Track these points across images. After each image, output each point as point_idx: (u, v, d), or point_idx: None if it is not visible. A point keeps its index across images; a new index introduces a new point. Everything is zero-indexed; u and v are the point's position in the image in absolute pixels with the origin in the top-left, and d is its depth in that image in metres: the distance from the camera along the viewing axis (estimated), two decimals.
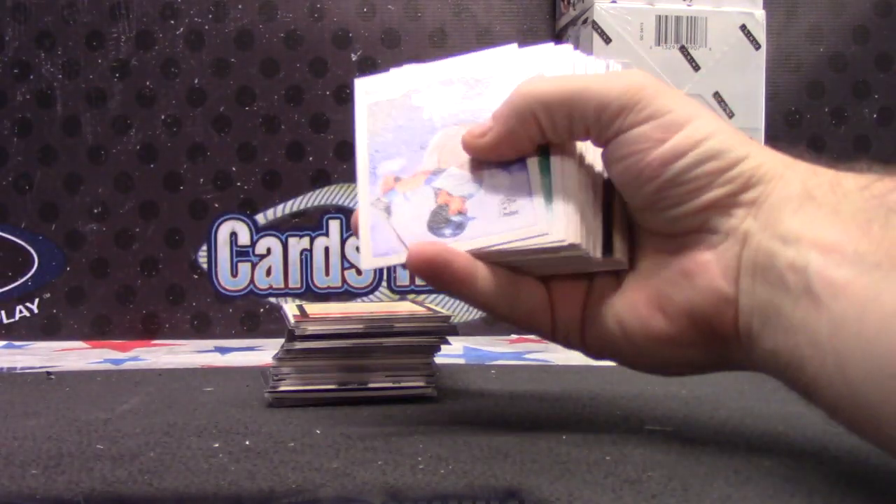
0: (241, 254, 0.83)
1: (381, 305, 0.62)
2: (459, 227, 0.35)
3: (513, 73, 0.36)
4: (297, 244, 0.83)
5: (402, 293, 0.84)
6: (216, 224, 0.83)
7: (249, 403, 0.46)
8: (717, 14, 0.75)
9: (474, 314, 0.85)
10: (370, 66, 0.83)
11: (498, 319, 0.37)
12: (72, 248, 0.82)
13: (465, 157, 0.36)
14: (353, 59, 0.84)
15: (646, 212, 0.34)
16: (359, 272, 0.84)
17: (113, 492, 0.30)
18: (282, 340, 0.46)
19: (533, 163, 0.35)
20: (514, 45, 0.37)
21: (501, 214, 0.35)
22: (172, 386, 0.52)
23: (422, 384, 0.46)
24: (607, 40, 0.74)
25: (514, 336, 0.83)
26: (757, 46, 0.76)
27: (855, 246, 0.28)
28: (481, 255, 0.35)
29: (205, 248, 0.83)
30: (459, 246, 0.35)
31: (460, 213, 0.36)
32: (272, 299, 0.83)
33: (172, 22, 0.82)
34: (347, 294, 0.84)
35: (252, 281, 0.83)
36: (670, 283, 0.33)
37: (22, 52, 0.81)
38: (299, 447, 0.36)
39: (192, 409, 0.45)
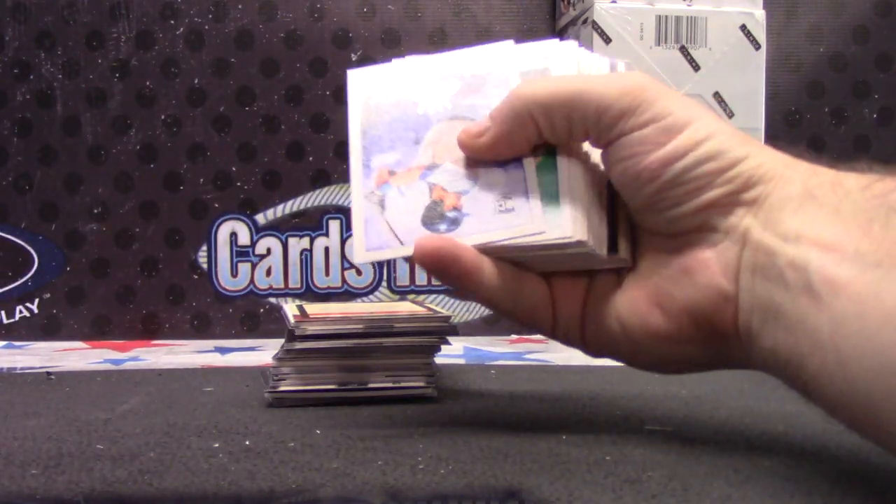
0: (241, 254, 0.83)
1: (381, 305, 0.62)
2: (454, 222, 0.36)
3: (513, 68, 0.36)
4: (297, 244, 0.83)
5: (402, 293, 0.84)
6: (216, 224, 0.83)
7: (249, 403, 0.46)
8: (717, 14, 0.75)
9: (474, 314, 0.85)
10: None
11: (500, 314, 0.37)
12: (72, 248, 0.82)
13: (460, 153, 0.36)
14: (353, 58, 0.84)
15: (645, 212, 0.34)
16: (359, 272, 0.84)
17: (113, 492, 0.30)
18: (282, 340, 0.46)
19: (529, 162, 0.35)
20: (511, 42, 0.37)
21: (497, 211, 0.35)
22: (172, 386, 0.52)
23: (422, 384, 0.46)
24: (607, 40, 0.74)
25: (514, 336, 0.83)
26: (757, 46, 0.76)
27: (856, 245, 0.28)
28: (487, 251, 0.35)
29: (205, 248, 0.83)
30: (465, 241, 0.35)
31: (455, 208, 0.36)
32: (272, 299, 0.83)
33: (172, 22, 0.82)
34: (347, 294, 0.84)
35: (252, 281, 0.83)
36: (670, 280, 0.34)
37: (22, 52, 0.81)
38: (299, 447, 0.36)
39: (192, 409, 0.45)
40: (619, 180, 0.34)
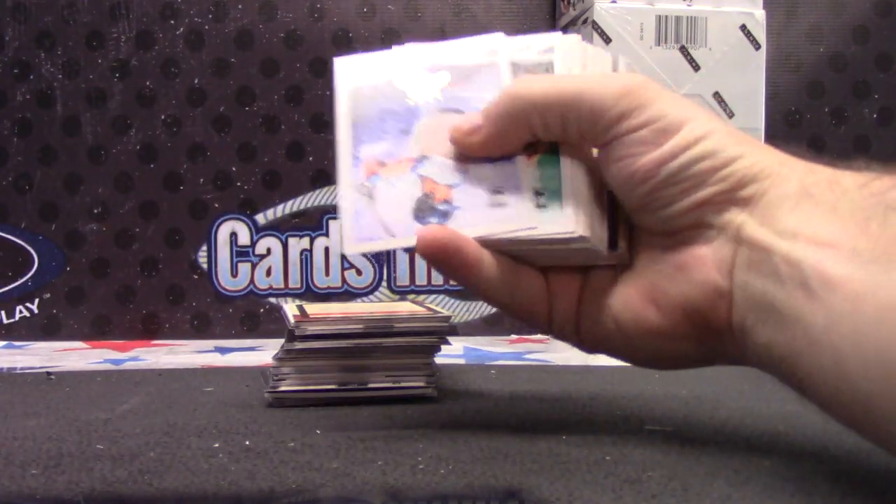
0: (241, 254, 0.83)
1: (381, 305, 0.62)
2: (445, 215, 0.35)
3: (505, 60, 0.36)
4: (297, 244, 0.83)
5: (402, 293, 0.84)
6: (216, 224, 0.83)
7: (249, 403, 0.46)
8: (717, 14, 0.75)
9: (474, 314, 0.85)
10: None
11: (496, 307, 0.37)
12: (72, 248, 0.82)
13: (450, 146, 0.36)
14: None
15: (640, 211, 0.34)
16: (359, 272, 0.84)
17: (113, 492, 0.30)
18: (282, 340, 0.46)
19: (522, 157, 0.35)
20: (501, 34, 0.37)
21: (488, 205, 0.35)
22: (172, 386, 0.52)
23: (422, 384, 0.46)
24: (607, 40, 0.74)
25: (514, 336, 0.83)
26: (757, 46, 0.76)
27: (853, 243, 0.28)
28: (487, 243, 0.35)
29: (205, 248, 0.83)
30: (467, 232, 0.35)
31: (446, 201, 0.36)
32: (272, 299, 0.83)
33: (172, 22, 0.82)
34: (347, 294, 0.84)
35: (252, 281, 0.83)
36: (665, 276, 0.34)
37: (22, 52, 0.81)
38: (299, 447, 0.36)
39: (192, 409, 0.45)
40: (613, 180, 0.34)
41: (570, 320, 0.37)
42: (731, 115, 0.75)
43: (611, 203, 0.36)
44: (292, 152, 0.83)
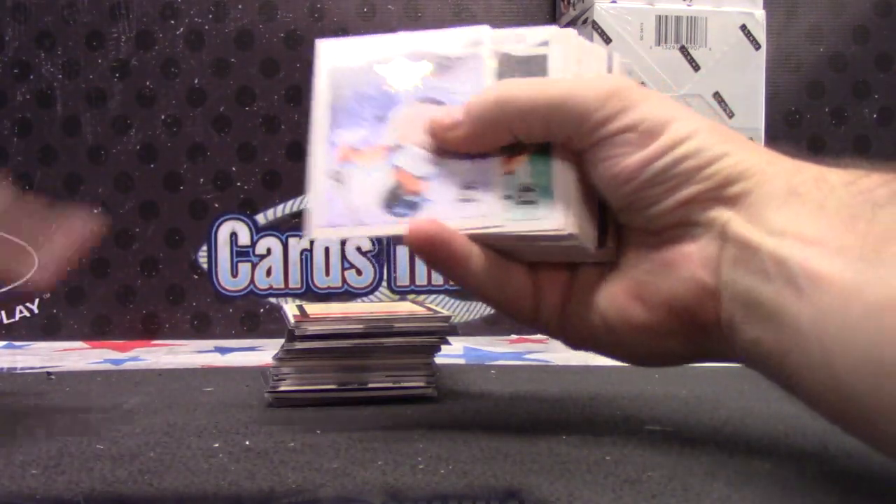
0: (241, 254, 0.83)
1: (381, 305, 0.62)
2: (414, 207, 0.35)
3: (489, 53, 0.36)
4: (297, 244, 0.83)
5: (402, 293, 0.84)
6: (216, 224, 0.83)
7: (249, 403, 0.46)
8: (717, 14, 0.75)
9: (474, 314, 0.85)
10: None
11: (483, 301, 0.37)
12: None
13: (426, 136, 0.36)
14: None
15: (625, 210, 0.34)
16: (359, 272, 0.84)
17: (113, 492, 0.30)
18: (282, 340, 0.46)
19: (497, 157, 0.35)
20: (486, 27, 0.37)
21: (458, 200, 0.35)
22: (172, 386, 0.52)
23: (422, 384, 0.46)
24: (607, 40, 0.74)
25: (514, 336, 0.83)
26: (757, 46, 0.76)
27: (840, 241, 0.28)
28: (476, 238, 0.35)
29: (205, 248, 0.83)
30: (457, 225, 0.35)
31: (417, 193, 0.35)
32: (272, 299, 0.83)
33: (172, 22, 0.82)
34: (347, 294, 0.84)
35: (252, 281, 0.83)
36: (651, 274, 0.34)
37: (22, 52, 0.81)
38: (299, 447, 0.36)
39: (192, 409, 0.45)
40: (599, 180, 0.34)
41: (556, 316, 0.37)
42: (731, 115, 0.75)
43: (600, 201, 0.35)
44: (292, 152, 0.83)
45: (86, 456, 0.35)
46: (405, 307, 0.53)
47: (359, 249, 0.84)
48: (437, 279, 0.84)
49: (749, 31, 0.76)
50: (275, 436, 0.38)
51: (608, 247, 0.35)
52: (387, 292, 0.84)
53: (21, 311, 0.82)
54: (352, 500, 0.30)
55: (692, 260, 0.32)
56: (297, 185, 0.83)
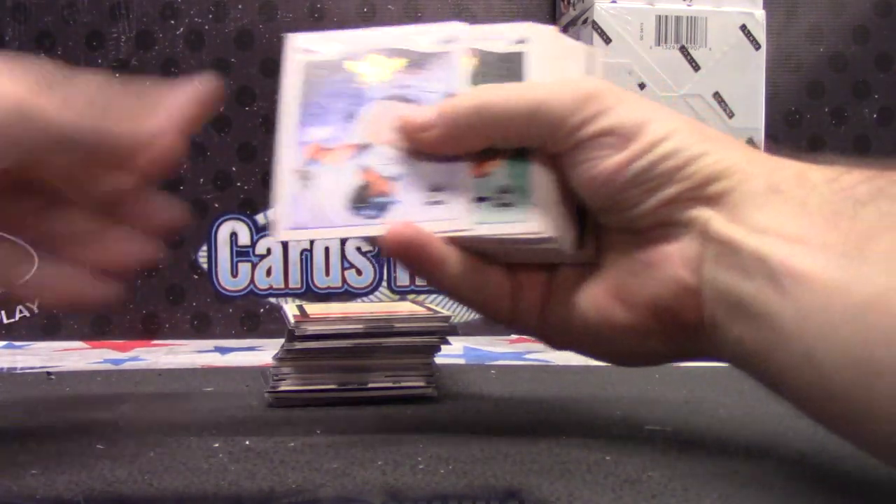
0: (241, 254, 0.83)
1: (381, 305, 0.62)
2: (382, 208, 0.34)
3: (463, 50, 0.35)
4: (296, 244, 0.83)
5: (402, 293, 0.84)
6: (216, 224, 0.83)
7: (249, 403, 0.46)
8: (717, 14, 0.75)
9: (474, 314, 0.85)
10: None
11: (460, 304, 0.37)
12: None
13: (396, 136, 0.35)
14: None
15: (605, 212, 0.34)
16: (359, 272, 0.84)
17: (113, 492, 0.30)
18: (282, 340, 0.46)
19: (467, 161, 0.34)
20: (461, 23, 0.36)
21: (427, 202, 0.34)
22: (172, 386, 0.52)
23: (422, 384, 0.46)
24: (607, 40, 0.74)
25: (514, 336, 0.83)
26: (757, 46, 0.76)
27: (822, 238, 0.28)
28: (452, 240, 0.34)
29: (205, 248, 0.83)
30: (442, 227, 0.34)
31: (383, 194, 0.35)
32: (272, 299, 0.83)
33: (172, 22, 0.82)
34: (347, 294, 0.84)
35: (252, 281, 0.83)
36: (632, 274, 0.34)
37: (22, 52, 0.81)
38: (299, 447, 0.36)
39: (192, 409, 0.45)
40: (577, 183, 0.34)
41: (536, 317, 0.36)
42: (731, 115, 0.75)
43: (578, 202, 0.35)
44: None
45: (86, 456, 0.35)
46: (405, 307, 0.53)
47: (359, 249, 0.84)
48: None
49: (749, 31, 0.76)
50: (275, 436, 0.38)
51: (587, 248, 0.35)
52: (387, 292, 0.84)
53: (21, 311, 0.82)
54: (352, 500, 0.30)
55: (673, 260, 0.32)
56: None
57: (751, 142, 0.74)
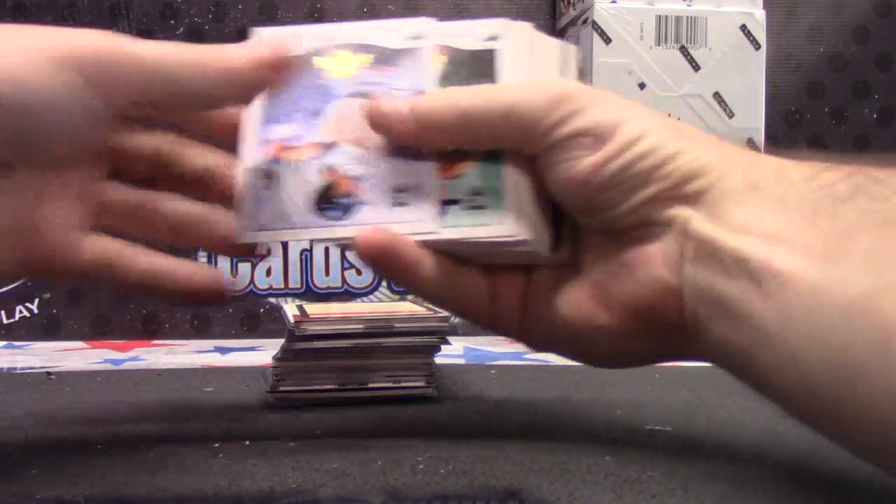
0: None
1: (381, 305, 0.62)
2: (347, 209, 0.34)
3: (432, 47, 0.34)
4: (297, 244, 0.83)
5: (402, 293, 0.84)
6: None
7: (249, 403, 0.46)
8: (717, 14, 0.75)
9: None
10: None
11: (437, 306, 0.37)
12: None
13: (362, 134, 0.34)
14: None
15: (582, 214, 0.34)
16: (359, 272, 0.84)
17: (113, 492, 0.30)
18: (282, 340, 0.46)
19: (432, 162, 0.33)
20: (428, 19, 0.35)
21: (392, 204, 0.33)
22: (172, 386, 0.52)
23: (422, 384, 0.46)
24: (607, 40, 0.74)
25: None
26: (757, 46, 0.76)
27: (801, 237, 0.27)
28: (426, 243, 0.33)
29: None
30: (408, 229, 0.33)
31: (349, 194, 0.34)
32: (272, 299, 0.83)
33: (172, 22, 0.82)
34: (347, 294, 0.84)
35: (252, 281, 0.83)
36: (612, 276, 0.33)
37: None
38: (299, 447, 0.36)
39: (192, 409, 0.45)
40: (552, 185, 0.33)
41: (515, 319, 0.36)
42: (731, 115, 0.75)
43: (553, 203, 0.34)
44: None
45: (86, 456, 0.35)
46: (405, 307, 0.53)
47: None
48: None
49: (749, 31, 0.76)
50: (275, 436, 0.38)
51: (562, 250, 0.34)
52: (387, 292, 0.84)
53: (21, 311, 0.82)
54: (352, 500, 0.30)
55: (654, 260, 0.32)
56: None
57: (751, 142, 0.74)
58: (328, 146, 0.34)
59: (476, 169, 0.33)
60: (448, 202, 0.33)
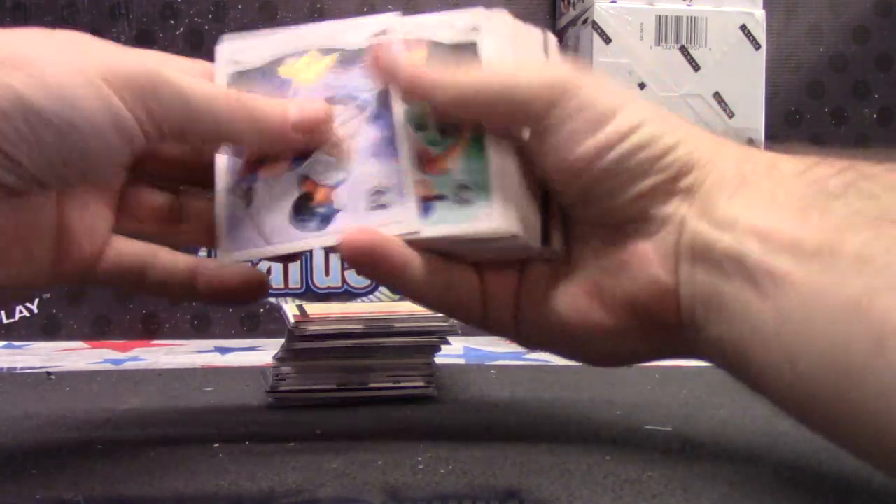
0: None
1: (381, 305, 0.62)
2: (325, 219, 0.33)
3: (401, 43, 0.33)
4: None
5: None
6: None
7: (249, 403, 0.46)
8: (717, 14, 0.75)
9: None
10: None
11: (428, 307, 0.36)
12: None
13: (333, 141, 0.33)
14: None
15: (578, 204, 0.33)
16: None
17: (113, 492, 0.30)
18: (282, 340, 0.46)
19: (405, 153, 0.33)
20: (393, 14, 0.34)
21: (370, 207, 0.33)
22: (172, 386, 0.52)
23: (422, 384, 0.46)
24: (607, 40, 0.74)
25: None
26: (757, 46, 0.76)
27: (793, 233, 0.27)
28: (413, 242, 0.32)
29: (204, 248, 0.83)
30: (389, 231, 0.32)
31: (326, 203, 0.33)
32: (272, 299, 0.83)
33: (172, 22, 0.82)
34: (347, 294, 0.84)
35: None
36: (608, 274, 0.33)
37: None
38: (299, 447, 0.36)
39: (192, 409, 0.45)
40: (550, 173, 0.32)
41: (508, 317, 0.35)
42: (731, 115, 0.75)
43: (543, 195, 0.33)
44: None
45: (86, 456, 0.35)
46: (405, 307, 0.53)
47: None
48: None
49: (749, 31, 0.76)
50: (275, 436, 0.38)
51: (553, 244, 0.33)
52: (387, 292, 0.84)
53: (21, 311, 0.82)
54: (352, 500, 0.30)
55: (650, 258, 0.31)
56: None
57: (751, 142, 0.74)
58: (301, 156, 0.34)
59: (461, 163, 0.32)
60: (434, 198, 0.32)
